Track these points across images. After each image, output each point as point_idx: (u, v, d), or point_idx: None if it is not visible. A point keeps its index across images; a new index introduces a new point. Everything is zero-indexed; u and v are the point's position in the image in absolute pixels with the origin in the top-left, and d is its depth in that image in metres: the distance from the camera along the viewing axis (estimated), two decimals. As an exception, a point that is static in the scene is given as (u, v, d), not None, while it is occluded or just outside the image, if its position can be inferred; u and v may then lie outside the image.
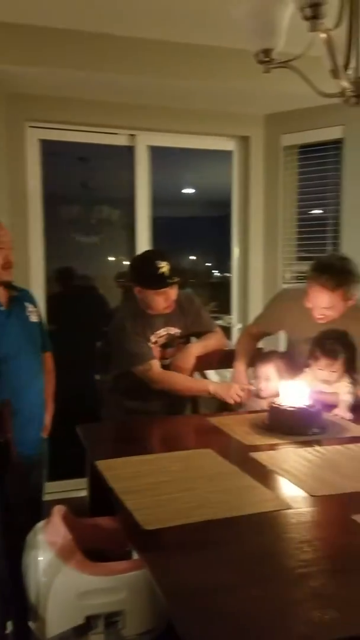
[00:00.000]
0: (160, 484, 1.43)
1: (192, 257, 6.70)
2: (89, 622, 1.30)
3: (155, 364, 2.28)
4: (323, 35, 1.43)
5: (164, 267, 2.21)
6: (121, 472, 1.52)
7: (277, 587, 1.00)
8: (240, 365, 2.40)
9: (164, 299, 2.25)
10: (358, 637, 0.89)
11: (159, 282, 2.21)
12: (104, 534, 1.56)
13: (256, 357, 2.38)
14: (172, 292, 2.27)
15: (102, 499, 1.52)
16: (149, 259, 2.29)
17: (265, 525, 1.24)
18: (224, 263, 3.89)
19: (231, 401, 2.25)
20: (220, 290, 4.51)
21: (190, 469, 1.54)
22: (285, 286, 3.55)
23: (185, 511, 1.28)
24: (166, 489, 1.41)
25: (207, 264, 6.42)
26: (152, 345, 2.32)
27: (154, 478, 1.47)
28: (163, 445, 1.79)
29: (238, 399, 2.24)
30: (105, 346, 2.51)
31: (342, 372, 2.10)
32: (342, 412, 2.06)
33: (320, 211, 3.51)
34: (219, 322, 4.37)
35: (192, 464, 1.58)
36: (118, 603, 1.31)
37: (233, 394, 2.23)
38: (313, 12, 1.35)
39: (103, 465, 1.58)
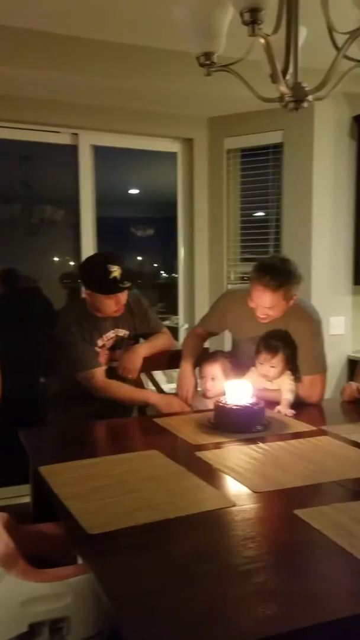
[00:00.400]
0: (104, 488, 1.42)
1: (139, 258, 6.69)
2: (33, 630, 1.27)
3: (99, 372, 2.25)
4: (262, 40, 1.45)
5: (116, 271, 2.17)
6: (65, 477, 1.49)
7: (220, 585, 1.01)
8: (186, 365, 2.41)
9: (114, 303, 2.22)
10: (300, 631, 0.91)
11: (111, 287, 2.18)
12: (49, 541, 1.53)
13: (202, 357, 2.40)
14: (123, 296, 2.24)
15: (46, 504, 1.49)
16: (100, 262, 2.24)
17: (210, 524, 1.25)
18: (171, 264, 3.90)
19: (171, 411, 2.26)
20: (167, 291, 4.53)
21: (135, 471, 1.53)
22: (230, 287, 3.60)
23: (129, 514, 1.27)
24: (110, 492, 1.39)
25: (154, 265, 6.43)
26: (100, 350, 2.29)
27: (99, 482, 1.46)
28: (108, 448, 1.78)
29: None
30: (50, 349, 2.46)
31: (282, 368, 2.17)
32: (283, 409, 2.11)
33: (263, 213, 3.59)
34: (166, 322, 4.38)
35: (137, 466, 1.58)
36: (63, 609, 1.29)
37: (172, 409, 2.25)
38: (252, 16, 1.37)
39: (46, 470, 1.54)
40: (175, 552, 1.14)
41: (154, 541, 1.18)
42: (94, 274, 2.23)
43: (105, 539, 1.19)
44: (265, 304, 2.11)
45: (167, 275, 5.37)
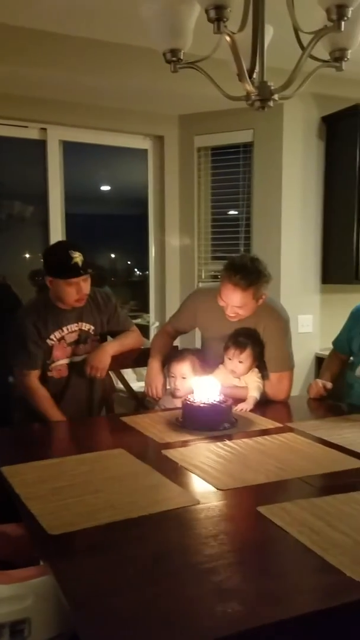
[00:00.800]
0: (67, 488, 1.40)
1: (112, 255, 6.65)
2: (-7, 633, 1.25)
3: (34, 375, 2.23)
4: (227, 38, 1.45)
5: (77, 257, 2.17)
6: (27, 477, 1.47)
7: (180, 585, 1.01)
8: (154, 363, 2.40)
9: (75, 291, 2.20)
10: (260, 629, 0.91)
11: (71, 271, 2.16)
12: (11, 542, 1.50)
13: (171, 356, 2.39)
14: (85, 285, 2.22)
15: (9, 505, 1.46)
16: (62, 248, 2.25)
17: (173, 523, 1.25)
18: (144, 262, 3.88)
19: None
20: (139, 289, 4.51)
21: (100, 471, 1.52)
22: (201, 285, 3.61)
23: (91, 514, 1.26)
24: (73, 492, 1.37)
25: (128, 263, 6.39)
26: (55, 343, 2.26)
27: (61, 482, 1.44)
28: (74, 448, 1.76)
29: None
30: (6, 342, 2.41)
31: (250, 364, 2.18)
32: (246, 406, 2.13)
33: (234, 212, 3.60)
34: (138, 320, 4.37)
35: (102, 465, 1.56)
36: (24, 611, 1.26)
37: None
38: (217, 14, 1.37)
39: (9, 471, 1.52)
40: (137, 552, 1.13)
41: (116, 541, 1.17)
42: (55, 259, 2.22)
43: (66, 540, 1.17)
44: (235, 302, 2.12)
45: (140, 273, 5.35)
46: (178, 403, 2.16)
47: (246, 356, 2.16)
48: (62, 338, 2.27)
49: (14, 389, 2.40)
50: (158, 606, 0.94)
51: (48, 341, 2.23)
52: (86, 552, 1.14)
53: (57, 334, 2.25)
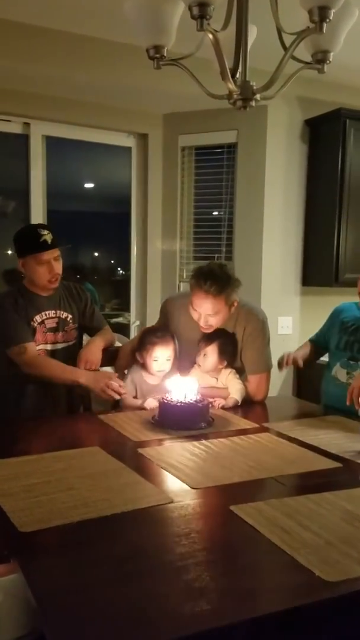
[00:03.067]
0: (40, 485, 1.39)
1: (96, 254, 6.61)
2: None
3: (32, 347, 2.21)
4: (210, 36, 1.45)
5: (46, 234, 2.22)
6: (0, 474, 1.45)
7: (150, 583, 1.00)
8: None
9: (47, 270, 2.22)
10: (230, 627, 0.91)
11: (41, 246, 2.20)
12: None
13: (151, 341, 2.34)
14: (56, 265, 2.24)
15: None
16: (30, 228, 2.32)
17: (146, 521, 1.24)
18: (127, 261, 3.86)
19: (104, 395, 2.16)
20: (122, 288, 4.48)
21: (74, 468, 1.50)
22: (182, 285, 3.61)
23: (64, 511, 1.25)
24: (46, 489, 1.36)
25: (111, 262, 6.35)
26: (37, 326, 2.25)
27: (35, 479, 1.42)
28: (49, 445, 1.73)
29: (109, 393, 2.12)
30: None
31: (215, 360, 2.19)
32: (223, 402, 2.15)
33: (216, 212, 3.60)
34: (119, 319, 4.35)
35: (77, 463, 1.55)
36: (-7, 609, 1.25)
37: (103, 387, 2.12)
38: (200, 11, 1.37)
39: (-19, 467, 1.49)
40: (108, 550, 1.12)
41: (88, 539, 1.16)
42: (24, 238, 2.26)
43: (37, 537, 1.16)
44: (207, 310, 2.10)
45: (123, 272, 5.32)
46: (153, 381, 2.19)
47: (212, 350, 2.16)
48: (42, 322, 2.27)
49: None
50: (127, 605, 0.94)
51: (31, 323, 2.23)
52: (57, 549, 1.13)
53: (38, 318, 2.26)
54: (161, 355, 2.18)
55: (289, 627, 0.96)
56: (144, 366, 2.23)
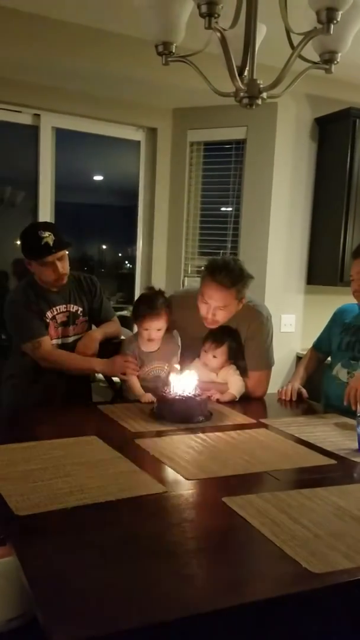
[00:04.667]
0: (37, 471, 1.42)
1: (104, 247, 6.63)
2: None
3: (46, 341, 2.24)
4: (218, 34, 1.46)
5: (47, 237, 2.18)
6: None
7: (140, 568, 1.03)
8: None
9: (52, 270, 2.21)
10: (212, 613, 0.93)
11: (42, 251, 2.17)
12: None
13: (143, 312, 2.33)
14: (61, 264, 2.23)
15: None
16: (31, 230, 2.25)
17: (139, 509, 1.27)
18: (133, 254, 3.88)
19: (121, 376, 2.24)
20: (127, 282, 4.50)
21: (71, 456, 1.53)
22: (186, 280, 3.62)
23: (59, 497, 1.27)
24: (43, 475, 1.39)
25: (118, 255, 6.37)
26: (50, 322, 2.28)
27: (33, 465, 1.45)
28: (48, 432, 1.76)
29: (126, 371, 2.21)
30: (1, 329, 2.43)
31: (223, 360, 2.21)
32: (220, 395, 2.18)
33: (223, 208, 3.62)
34: (124, 312, 4.38)
35: (74, 451, 1.58)
36: (-14, 591, 1.28)
37: (119, 368, 2.22)
38: (208, 9, 1.38)
39: (-19, 452, 1.53)
40: (101, 536, 1.15)
41: (82, 524, 1.19)
42: (27, 241, 2.23)
43: (32, 521, 1.18)
44: (218, 302, 2.11)
45: (130, 266, 5.34)
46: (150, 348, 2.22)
47: (221, 352, 2.19)
48: (54, 317, 2.29)
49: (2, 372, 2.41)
50: (116, 588, 0.96)
51: (45, 319, 2.25)
52: (51, 534, 1.16)
53: (50, 313, 2.28)
54: (151, 326, 2.19)
55: (273, 616, 0.99)
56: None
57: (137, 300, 2.32)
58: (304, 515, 1.24)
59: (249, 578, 1.03)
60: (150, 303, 2.21)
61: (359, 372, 2.12)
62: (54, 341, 2.30)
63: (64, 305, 2.33)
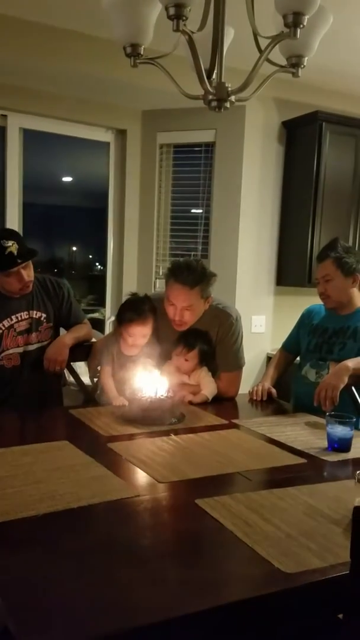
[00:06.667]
0: (7, 478, 1.39)
1: (74, 248, 6.56)
2: None
3: None
4: (186, 37, 1.46)
5: (11, 245, 2.10)
6: (-33, 466, 1.45)
7: (113, 574, 1.02)
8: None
9: (17, 280, 2.16)
10: (184, 617, 0.93)
11: (6, 262, 2.11)
12: None
13: (126, 315, 2.30)
14: (26, 272, 2.17)
15: None
16: None
17: (112, 514, 1.26)
18: (104, 256, 3.86)
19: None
20: (99, 284, 4.47)
21: (42, 462, 1.51)
22: (157, 282, 3.62)
23: (30, 504, 1.25)
24: (13, 482, 1.36)
25: (89, 257, 6.32)
26: (5, 332, 2.22)
27: (2, 472, 1.42)
28: (17, 438, 1.74)
29: (48, 366, 2.24)
30: None
31: (195, 364, 2.22)
32: (192, 397, 2.18)
33: (193, 210, 3.63)
34: (95, 314, 4.34)
35: (46, 457, 1.55)
36: None
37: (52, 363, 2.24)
38: (176, 11, 1.38)
39: None
40: (73, 542, 1.13)
41: (53, 531, 1.17)
42: None
43: (1, 529, 1.16)
44: (183, 302, 2.12)
45: (101, 268, 5.31)
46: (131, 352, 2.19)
47: (193, 356, 2.20)
48: (12, 327, 2.23)
49: None
50: (90, 596, 0.95)
51: None
52: (22, 542, 1.14)
53: (6, 323, 2.22)
54: (137, 332, 2.16)
55: (247, 617, 0.99)
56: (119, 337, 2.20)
57: (122, 306, 2.26)
58: (275, 515, 1.25)
59: (222, 580, 1.03)
60: (137, 310, 2.16)
61: (327, 373, 2.15)
62: (13, 350, 2.25)
63: (26, 312, 2.27)
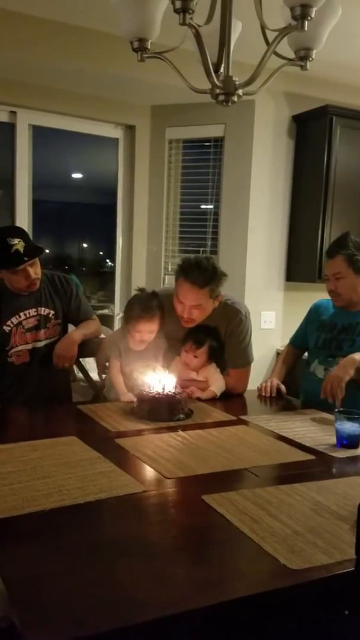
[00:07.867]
0: (15, 473, 1.40)
1: (85, 245, 6.58)
2: None
3: None
4: (192, 31, 1.45)
5: (17, 243, 2.10)
6: (-24, 461, 1.46)
7: (119, 569, 1.02)
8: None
9: (24, 278, 2.16)
10: (189, 613, 0.92)
11: (13, 260, 2.11)
12: None
13: (134, 314, 2.30)
14: (33, 270, 2.17)
15: None
16: (0, 236, 2.15)
17: (119, 509, 1.26)
18: (115, 252, 3.86)
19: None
20: (108, 280, 4.48)
21: (50, 457, 1.52)
22: (166, 278, 3.62)
23: (37, 499, 1.26)
24: (21, 477, 1.37)
25: (100, 253, 6.34)
26: (14, 329, 2.23)
27: (10, 467, 1.43)
28: (26, 433, 1.75)
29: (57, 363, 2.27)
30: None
31: (204, 360, 2.21)
32: (200, 393, 2.17)
33: (202, 206, 3.62)
34: (105, 310, 4.35)
35: (54, 452, 1.56)
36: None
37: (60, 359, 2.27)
38: (182, 5, 1.37)
39: None
40: (79, 537, 1.13)
41: (60, 526, 1.17)
42: None
43: (10, 524, 1.17)
44: (192, 301, 2.11)
45: (112, 264, 5.32)
46: (139, 347, 2.18)
47: (202, 352, 2.19)
48: (20, 324, 2.24)
49: None
50: (94, 591, 0.95)
51: (5, 327, 2.21)
52: (29, 536, 1.14)
53: (14, 320, 2.23)
54: (144, 328, 2.15)
55: (253, 613, 0.99)
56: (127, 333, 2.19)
57: (129, 302, 2.24)
58: (282, 511, 1.24)
59: (228, 576, 1.03)
60: (144, 306, 2.15)
61: (335, 367, 2.14)
62: (22, 347, 2.26)
63: (34, 309, 2.27)
